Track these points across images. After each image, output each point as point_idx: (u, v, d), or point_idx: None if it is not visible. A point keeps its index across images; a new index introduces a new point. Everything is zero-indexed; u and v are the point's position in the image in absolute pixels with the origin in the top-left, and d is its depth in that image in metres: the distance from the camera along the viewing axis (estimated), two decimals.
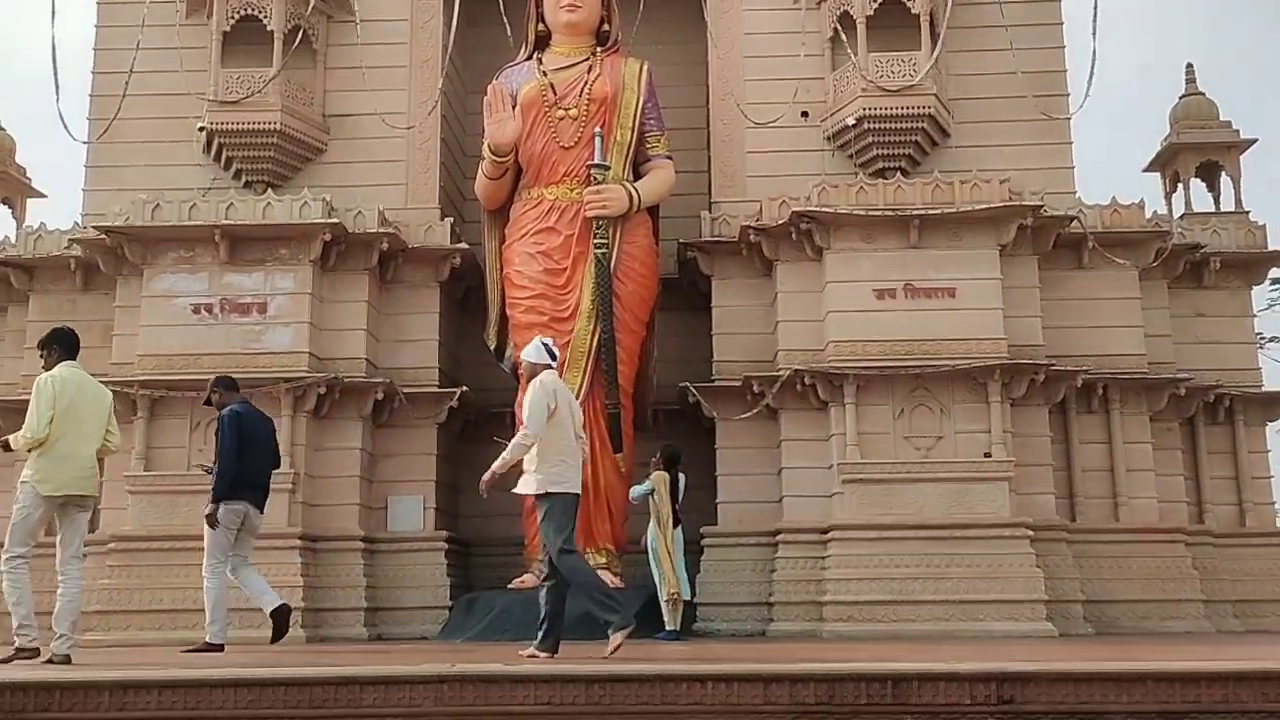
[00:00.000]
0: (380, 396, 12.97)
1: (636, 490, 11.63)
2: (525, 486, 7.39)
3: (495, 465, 7.44)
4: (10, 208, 15.64)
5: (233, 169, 13.98)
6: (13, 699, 5.65)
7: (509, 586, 12.47)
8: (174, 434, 12.57)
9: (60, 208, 15.69)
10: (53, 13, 12.88)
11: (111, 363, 13.00)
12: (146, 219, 12.78)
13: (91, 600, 12.06)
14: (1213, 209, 15.07)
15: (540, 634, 7.33)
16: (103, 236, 12.92)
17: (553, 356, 7.79)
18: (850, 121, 13.67)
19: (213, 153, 14.02)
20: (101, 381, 12.47)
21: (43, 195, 15.88)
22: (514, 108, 13.08)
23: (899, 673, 5.87)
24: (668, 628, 11.21)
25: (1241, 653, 7.78)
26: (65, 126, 13.14)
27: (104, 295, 13.71)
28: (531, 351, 7.79)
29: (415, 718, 6.06)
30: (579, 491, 7.47)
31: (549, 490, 7.29)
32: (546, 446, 7.31)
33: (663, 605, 11.27)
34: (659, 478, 11.44)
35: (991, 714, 5.66)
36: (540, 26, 13.70)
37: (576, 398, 12.42)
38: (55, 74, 12.79)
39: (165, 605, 12.03)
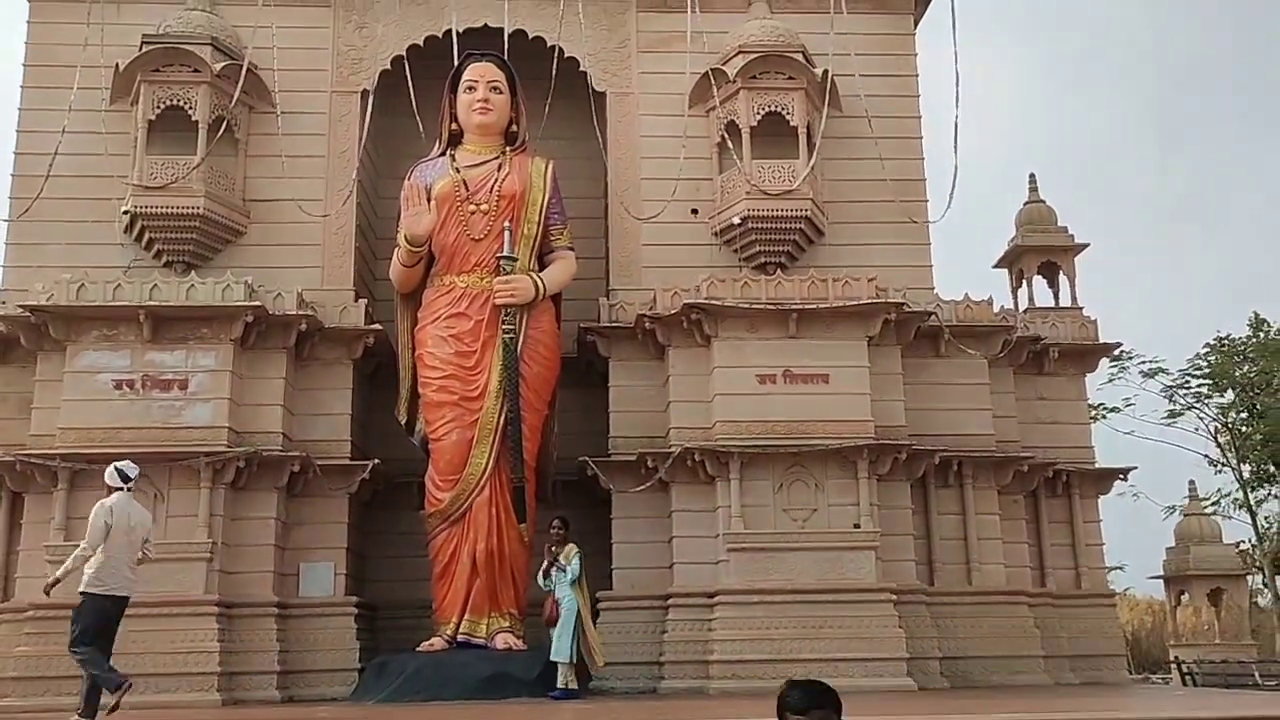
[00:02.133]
0: (296, 469, 13.68)
1: (574, 570, 12.48)
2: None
3: (58, 572, 9.63)
4: None
5: (154, 249, 14.61)
6: None
7: (418, 650, 13.23)
8: (92, 505, 12.93)
9: None
10: None
11: (30, 434, 13.45)
12: (72, 298, 13.32)
13: (8, 667, 12.49)
14: (1052, 304, 16.90)
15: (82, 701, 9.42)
16: (27, 314, 13.40)
17: (125, 479, 9.90)
18: (736, 220, 15.06)
19: (134, 234, 14.64)
20: (20, 454, 13.09)
21: None
22: (428, 201, 14.07)
23: None
24: (569, 687, 12.12)
25: (1067, 704, 9.16)
26: None
27: (20, 368, 14.10)
28: (107, 474, 9.95)
29: None
30: (121, 595, 9.60)
31: (82, 590, 9.37)
32: (102, 555, 9.40)
33: (564, 667, 12.17)
34: (576, 551, 12.49)
35: None
36: (454, 125, 14.72)
37: (483, 472, 13.58)
38: None
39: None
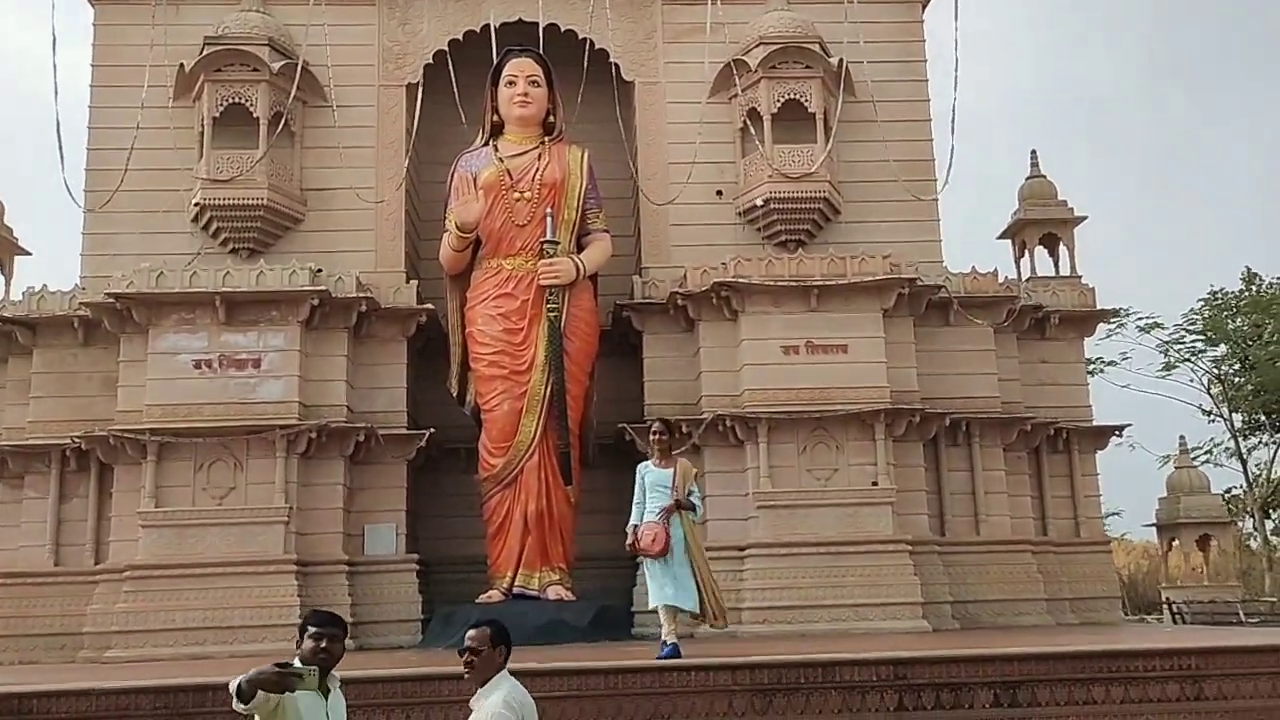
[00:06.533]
0: (361, 438, 14.92)
1: (696, 499, 9.95)
2: None
3: None
4: (0, 266, 17.05)
5: (221, 238, 15.75)
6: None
7: (478, 601, 14.55)
8: (180, 475, 14.27)
9: (40, 263, 17.56)
10: (55, 92, 14.66)
11: (118, 410, 14.66)
12: (152, 286, 14.48)
13: (111, 622, 13.81)
14: (1053, 273, 18.05)
15: None
16: (111, 300, 14.56)
17: None
18: (759, 202, 16.19)
19: (202, 223, 15.77)
20: (111, 429, 14.30)
21: (29, 254, 17.32)
22: (476, 190, 15.16)
23: (827, 660, 8.37)
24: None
25: (1060, 640, 10.48)
26: (72, 196, 14.93)
27: (102, 350, 15.28)
28: None
29: None
30: None
31: None
32: None
33: (668, 613, 9.65)
34: (689, 470, 9.99)
35: (890, 686, 8.20)
36: (495, 117, 15.82)
37: (532, 439, 14.79)
38: (60, 150, 14.56)
39: (177, 624, 13.77)
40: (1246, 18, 72.20)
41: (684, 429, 15.22)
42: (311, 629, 4.89)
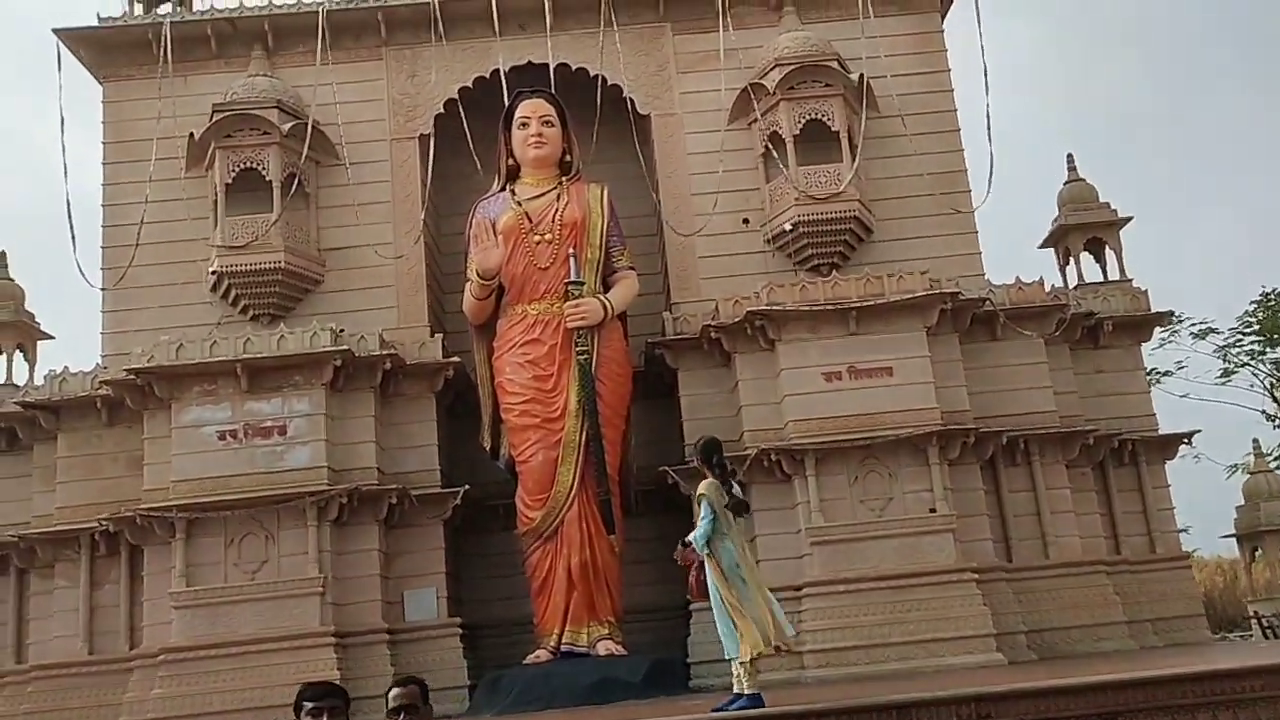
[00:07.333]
0: (394, 500, 14.38)
1: (697, 534, 8.59)
2: None
3: None
4: (23, 352, 16.81)
5: (240, 305, 15.42)
6: None
7: (525, 663, 13.90)
8: (210, 551, 13.79)
9: (64, 345, 17.47)
10: (65, 172, 14.48)
11: (145, 489, 14.24)
12: (172, 358, 14.12)
13: (147, 709, 13.28)
14: (1101, 278, 17.29)
15: None
16: (132, 377, 14.20)
17: None
18: (787, 227, 15.63)
19: (221, 292, 15.45)
20: (138, 509, 13.86)
21: (51, 337, 17.09)
22: (495, 235, 14.74)
23: (902, 701, 7.63)
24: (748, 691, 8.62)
25: (1156, 663, 9.65)
26: (84, 277, 14.71)
27: (127, 429, 14.92)
28: None
29: None
30: None
31: None
32: None
33: (735, 666, 8.76)
34: (711, 490, 8.61)
35: None
36: (510, 161, 15.43)
37: (570, 489, 14.18)
38: (72, 231, 14.46)
39: (214, 707, 13.20)
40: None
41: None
42: (308, 705, 4.30)
